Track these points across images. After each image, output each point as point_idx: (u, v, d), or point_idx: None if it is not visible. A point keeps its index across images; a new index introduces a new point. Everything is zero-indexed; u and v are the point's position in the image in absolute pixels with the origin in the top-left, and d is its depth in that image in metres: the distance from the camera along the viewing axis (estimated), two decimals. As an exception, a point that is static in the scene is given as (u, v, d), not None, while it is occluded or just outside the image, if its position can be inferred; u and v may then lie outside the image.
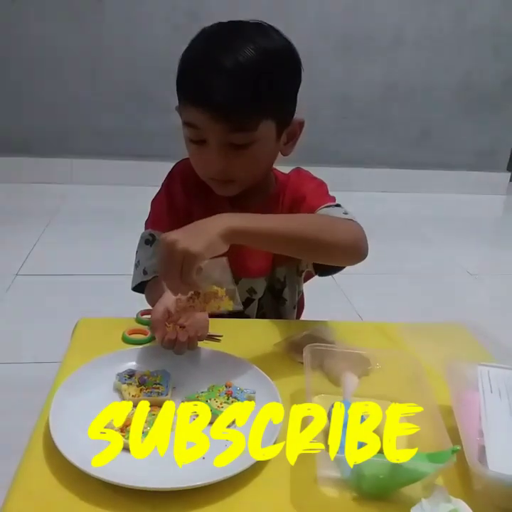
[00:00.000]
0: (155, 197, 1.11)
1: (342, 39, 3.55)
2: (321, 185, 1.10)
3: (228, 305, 0.81)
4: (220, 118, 0.89)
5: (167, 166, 1.13)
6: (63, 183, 3.48)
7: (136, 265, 1.08)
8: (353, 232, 0.92)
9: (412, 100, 3.75)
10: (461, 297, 2.42)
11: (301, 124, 1.02)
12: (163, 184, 1.12)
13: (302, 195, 1.06)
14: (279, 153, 1.02)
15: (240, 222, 0.79)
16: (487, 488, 0.63)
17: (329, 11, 3.50)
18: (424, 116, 3.81)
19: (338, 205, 1.03)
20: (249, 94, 0.88)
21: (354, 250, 0.91)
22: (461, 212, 3.69)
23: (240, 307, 0.83)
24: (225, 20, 1.00)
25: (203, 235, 0.75)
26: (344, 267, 0.98)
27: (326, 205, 1.02)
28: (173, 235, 0.74)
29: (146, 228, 1.09)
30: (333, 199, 1.06)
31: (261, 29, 0.94)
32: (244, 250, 1.06)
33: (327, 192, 1.09)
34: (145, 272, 1.05)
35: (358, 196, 3.68)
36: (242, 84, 0.88)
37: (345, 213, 0.98)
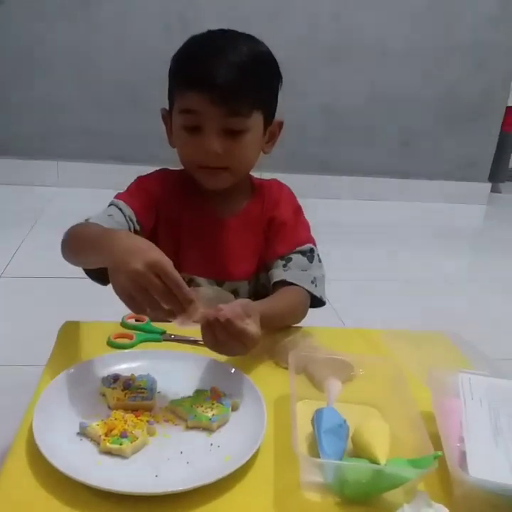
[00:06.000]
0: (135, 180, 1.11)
1: (329, 50, 3.58)
2: (299, 214, 1.15)
3: None
4: (219, 101, 0.94)
5: (155, 169, 1.14)
6: (49, 185, 3.45)
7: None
8: (305, 312, 1.04)
9: (395, 111, 3.78)
10: (441, 304, 2.44)
11: (280, 125, 1.08)
12: (141, 177, 1.12)
13: (282, 220, 1.10)
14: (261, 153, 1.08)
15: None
16: (467, 493, 0.64)
17: (316, 22, 3.52)
18: (408, 126, 3.85)
19: (311, 251, 1.09)
20: (247, 81, 0.96)
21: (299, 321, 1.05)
22: (443, 221, 3.74)
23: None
24: (215, 22, 1.05)
25: None
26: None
27: (299, 248, 1.08)
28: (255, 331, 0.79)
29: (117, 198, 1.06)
30: (308, 235, 1.12)
31: (252, 36, 1.02)
32: (226, 254, 1.09)
33: (304, 223, 1.14)
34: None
35: (342, 204, 3.73)
36: (240, 71, 0.95)
37: (313, 281, 1.06)
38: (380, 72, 3.70)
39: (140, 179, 1.11)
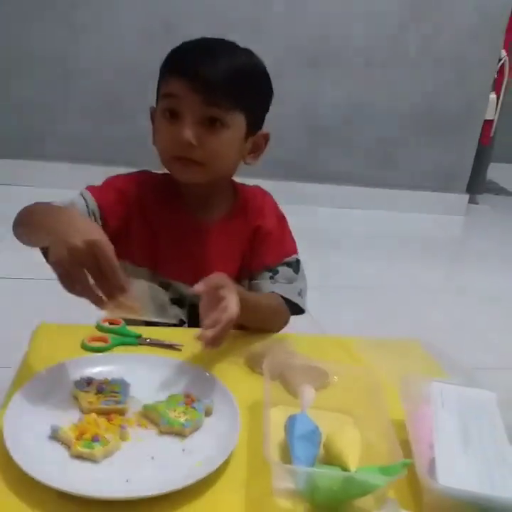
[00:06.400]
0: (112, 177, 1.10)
1: (309, 59, 3.61)
2: (284, 224, 1.16)
3: None
4: (199, 89, 0.94)
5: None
6: (28, 185, 3.41)
7: None
8: (286, 319, 1.07)
9: (375, 121, 3.82)
10: (419, 314, 2.47)
11: (266, 137, 1.07)
12: (119, 175, 1.11)
13: (268, 230, 1.11)
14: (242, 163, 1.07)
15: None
16: (436, 501, 0.65)
17: (299, 32, 3.55)
18: (387, 137, 3.89)
19: (297, 262, 1.11)
20: (233, 79, 0.96)
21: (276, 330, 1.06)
22: (421, 232, 3.78)
23: None
24: (198, 32, 1.04)
25: None
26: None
27: (286, 259, 1.10)
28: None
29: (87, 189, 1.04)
30: (294, 246, 1.14)
31: (250, 50, 1.03)
32: (206, 259, 1.08)
33: (289, 233, 1.16)
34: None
35: (323, 211, 3.75)
36: (228, 68, 0.96)
37: (299, 293, 1.08)
38: (360, 83, 3.73)
39: (117, 177, 1.10)
